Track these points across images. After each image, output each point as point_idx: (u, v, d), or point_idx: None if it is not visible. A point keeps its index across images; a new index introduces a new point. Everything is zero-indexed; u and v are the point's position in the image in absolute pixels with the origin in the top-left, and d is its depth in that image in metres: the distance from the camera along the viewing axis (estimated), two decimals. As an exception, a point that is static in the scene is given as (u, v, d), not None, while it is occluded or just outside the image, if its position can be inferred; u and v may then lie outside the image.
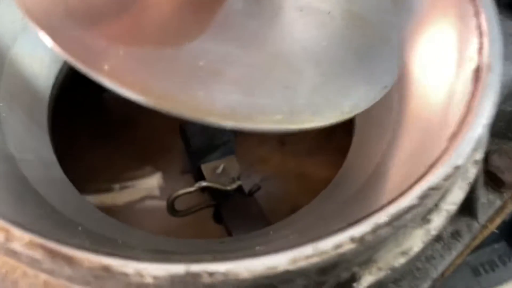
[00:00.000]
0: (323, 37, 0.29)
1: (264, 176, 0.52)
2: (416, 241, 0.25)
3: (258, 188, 0.43)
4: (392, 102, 0.34)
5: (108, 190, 0.54)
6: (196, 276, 0.20)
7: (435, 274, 0.34)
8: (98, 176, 0.54)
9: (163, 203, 0.45)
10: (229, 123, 0.22)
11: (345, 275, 0.24)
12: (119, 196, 0.53)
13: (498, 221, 0.38)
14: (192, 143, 0.46)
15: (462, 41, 0.30)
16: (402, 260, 0.25)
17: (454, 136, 0.25)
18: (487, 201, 0.37)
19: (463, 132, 0.25)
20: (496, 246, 0.48)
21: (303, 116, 0.24)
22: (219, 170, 0.44)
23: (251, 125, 0.23)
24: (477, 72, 0.28)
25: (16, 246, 0.21)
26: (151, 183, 0.54)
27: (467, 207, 0.36)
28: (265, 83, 0.24)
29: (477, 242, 0.38)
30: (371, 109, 0.37)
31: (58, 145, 0.38)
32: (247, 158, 0.53)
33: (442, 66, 0.31)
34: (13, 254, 0.21)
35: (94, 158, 0.56)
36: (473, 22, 0.30)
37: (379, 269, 0.24)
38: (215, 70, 0.24)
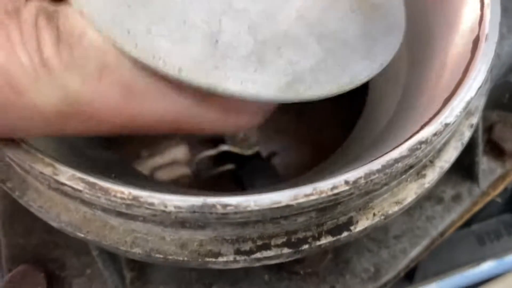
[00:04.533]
0: (330, 19, 0.32)
1: (282, 145, 0.55)
2: (410, 193, 0.28)
3: (274, 154, 0.47)
4: (402, 68, 0.37)
5: (137, 157, 0.58)
6: (211, 207, 0.23)
7: (434, 233, 0.37)
8: (127, 145, 0.59)
9: (186, 170, 0.48)
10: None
11: (343, 218, 0.27)
12: (147, 163, 0.57)
13: (501, 188, 0.41)
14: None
15: (465, 12, 0.32)
16: (395, 208, 0.27)
17: (449, 98, 0.28)
18: (488, 168, 0.39)
19: (456, 95, 0.27)
20: (502, 217, 0.50)
21: (302, 87, 0.27)
22: (239, 136, 0.48)
23: (255, 97, 0.26)
24: (476, 42, 0.30)
25: (61, 178, 0.24)
26: (176, 151, 0.58)
27: (469, 173, 0.39)
28: (272, 57, 0.28)
29: (478, 207, 0.40)
30: (384, 72, 0.39)
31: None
32: (266, 128, 0.56)
33: (446, 35, 0.33)
34: (58, 186, 0.25)
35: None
36: None
37: (374, 215, 0.27)
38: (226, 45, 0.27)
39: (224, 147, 0.45)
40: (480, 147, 0.36)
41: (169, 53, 0.25)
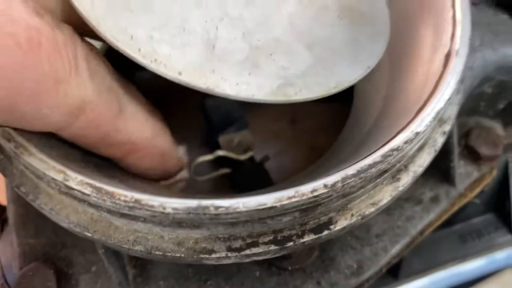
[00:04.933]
0: (319, 26, 0.35)
1: (276, 149, 0.58)
2: (385, 195, 0.31)
3: (268, 158, 0.49)
4: (384, 80, 0.40)
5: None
6: (205, 208, 0.26)
7: (413, 232, 0.40)
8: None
9: (185, 174, 0.51)
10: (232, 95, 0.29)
11: (324, 218, 0.30)
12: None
13: (477, 190, 0.43)
14: (211, 118, 0.53)
15: (439, 29, 0.35)
16: (372, 209, 0.30)
17: (420, 109, 0.31)
18: (465, 171, 0.42)
19: (427, 106, 0.30)
20: (483, 217, 0.53)
21: (292, 91, 0.30)
22: (235, 142, 0.51)
23: (249, 98, 0.29)
24: (448, 56, 0.33)
25: (71, 184, 0.27)
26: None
27: (446, 177, 0.41)
28: (265, 63, 0.31)
29: (455, 208, 0.43)
30: (367, 82, 0.42)
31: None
32: (261, 133, 0.59)
33: (423, 50, 0.36)
34: (68, 190, 0.28)
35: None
36: (450, 13, 0.35)
37: (352, 215, 0.30)
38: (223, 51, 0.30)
39: (220, 152, 0.48)
40: (456, 152, 0.39)
41: (170, 58, 0.28)
